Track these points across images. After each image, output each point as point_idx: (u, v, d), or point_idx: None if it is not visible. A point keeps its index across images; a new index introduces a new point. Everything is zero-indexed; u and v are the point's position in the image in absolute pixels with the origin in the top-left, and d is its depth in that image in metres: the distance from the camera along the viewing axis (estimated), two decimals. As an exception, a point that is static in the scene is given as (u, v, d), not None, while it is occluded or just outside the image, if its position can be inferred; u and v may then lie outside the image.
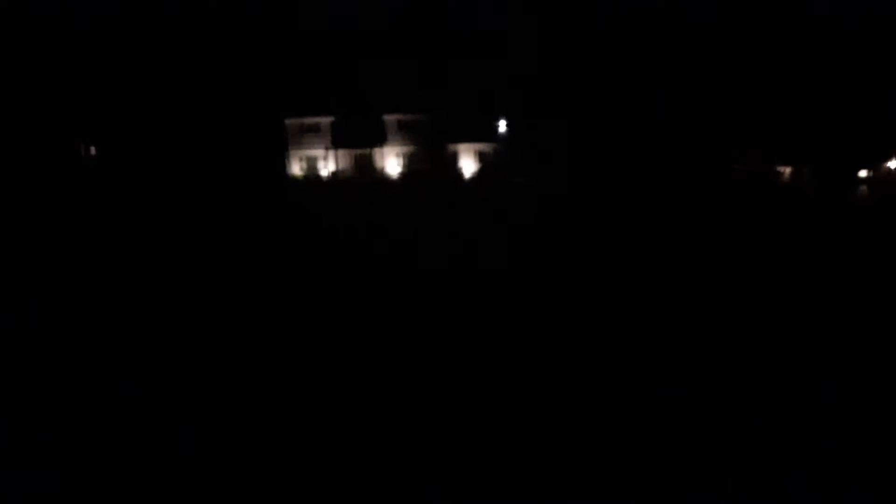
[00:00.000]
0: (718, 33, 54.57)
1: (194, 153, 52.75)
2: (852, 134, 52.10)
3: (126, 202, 43.09)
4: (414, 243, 33.37)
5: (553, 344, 19.09)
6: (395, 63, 55.90)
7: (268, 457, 12.73)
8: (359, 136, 56.47)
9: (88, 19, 56.58)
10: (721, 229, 38.15)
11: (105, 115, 55.21)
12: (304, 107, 56.16)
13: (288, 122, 56.40)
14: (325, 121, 56.68)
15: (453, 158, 57.14)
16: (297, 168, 56.69)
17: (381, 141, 56.90)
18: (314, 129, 56.62)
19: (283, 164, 56.41)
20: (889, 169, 56.37)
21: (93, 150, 56.72)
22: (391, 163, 57.13)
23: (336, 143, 56.64)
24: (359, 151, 57.05)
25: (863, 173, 55.56)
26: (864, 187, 54.41)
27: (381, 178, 56.31)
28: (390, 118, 56.59)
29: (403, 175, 56.46)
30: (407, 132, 56.86)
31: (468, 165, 57.26)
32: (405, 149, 56.97)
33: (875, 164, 55.50)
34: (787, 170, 56.54)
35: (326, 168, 56.76)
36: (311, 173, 56.36)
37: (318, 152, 56.69)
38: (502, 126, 56.80)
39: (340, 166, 56.88)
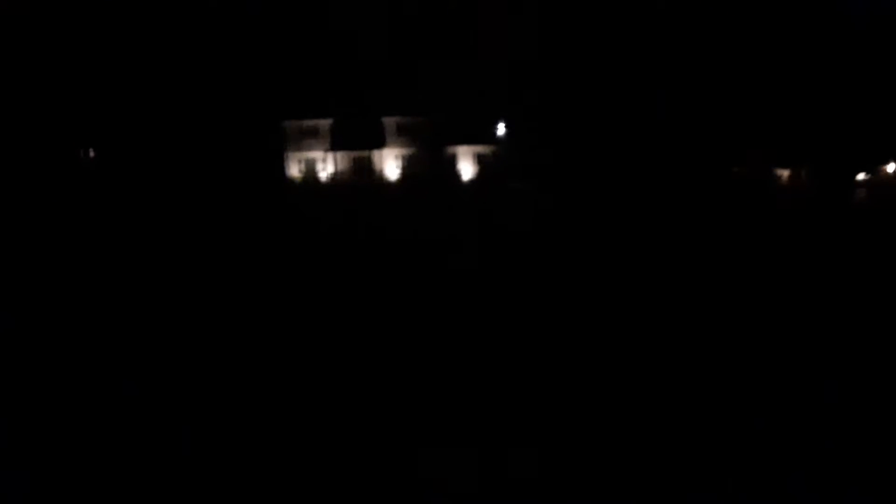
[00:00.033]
0: (717, 35, 54.60)
1: (193, 156, 52.72)
2: (851, 137, 52.13)
3: (125, 204, 43.07)
4: (411, 247, 33.32)
5: (549, 347, 19.12)
6: (394, 65, 55.94)
7: (266, 456, 12.73)
8: (358, 138, 56.46)
9: (88, 21, 56.54)
10: (719, 232, 38.14)
11: (104, 118, 55.17)
12: (303, 109, 56.17)
13: (286, 124, 56.38)
14: (325, 123, 56.67)
15: (452, 161, 57.13)
16: (295, 170, 56.67)
17: (380, 143, 56.89)
18: (313, 132, 56.64)
19: (281, 167, 56.38)
20: (887, 172, 56.40)
21: (91, 153, 56.65)
22: (390, 165, 57.12)
23: (335, 146, 56.64)
24: (358, 154, 57.02)
25: (860, 176, 55.54)
26: (862, 190, 54.41)
27: (380, 180, 56.30)
28: (389, 121, 56.60)
29: (402, 178, 56.45)
30: (406, 135, 56.87)
31: (467, 168, 57.25)
32: (404, 151, 56.96)
33: (873, 167, 55.51)
34: (786, 172, 56.50)
35: (325, 170, 56.74)
36: (310, 175, 56.34)
37: (317, 154, 56.69)
38: (501, 129, 56.81)
39: (339, 168, 56.86)
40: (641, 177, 50.39)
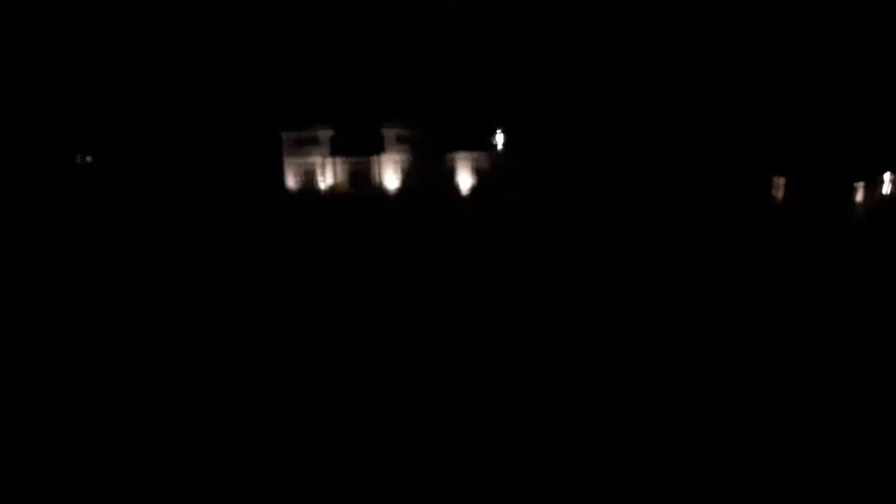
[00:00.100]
0: (715, 47, 54.84)
1: (191, 163, 52.73)
2: (849, 146, 52.27)
3: (123, 209, 43.06)
4: (409, 256, 33.27)
5: (549, 350, 19.12)
6: (395, 75, 56.10)
7: (266, 456, 12.72)
8: (357, 147, 56.48)
9: (88, 29, 56.66)
10: (718, 239, 38.17)
11: (103, 124, 55.21)
12: (303, 119, 56.18)
13: (285, 133, 56.38)
14: (324, 132, 56.70)
15: (451, 170, 57.21)
16: (294, 179, 56.62)
17: (378, 152, 56.95)
18: (312, 141, 56.64)
19: (280, 175, 56.32)
20: (884, 182, 56.55)
21: (89, 159, 56.64)
22: (389, 174, 57.15)
23: (334, 154, 56.67)
24: (356, 163, 57.04)
25: (858, 185, 55.66)
26: (859, 200, 54.50)
27: (379, 189, 56.31)
28: (389, 131, 56.66)
29: (400, 187, 56.48)
30: (405, 144, 56.95)
31: (465, 177, 57.32)
32: (403, 160, 57.01)
33: (871, 176, 55.61)
34: (782, 181, 56.55)
35: (324, 179, 56.73)
36: (309, 184, 56.29)
37: (316, 162, 56.67)
38: (500, 139, 56.97)
39: (338, 177, 56.86)
40: (639, 186, 50.51)
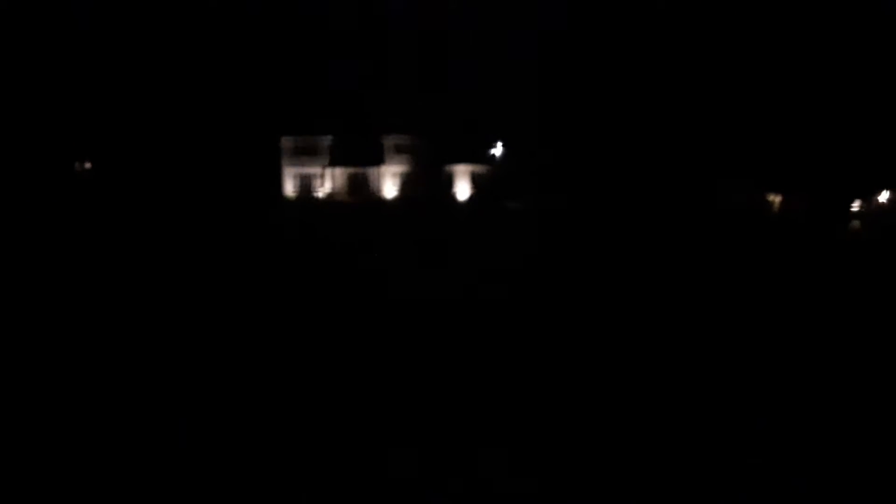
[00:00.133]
0: (710, 63, 55.16)
1: (189, 170, 52.80)
2: (846, 165, 52.49)
3: (121, 216, 43.09)
4: (406, 267, 33.27)
5: (548, 355, 19.15)
6: (393, 84, 56.43)
7: (266, 456, 12.69)
8: (356, 156, 56.70)
9: (87, 34, 56.85)
10: (712, 255, 38.26)
11: (101, 130, 55.30)
12: (302, 127, 56.39)
13: (284, 141, 56.53)
14: (323, 141, 56.86)
15: (449, 180, 57.44)
16: (292, 187, 56.72)
17: (377, 162, 57.15)
18: (311, 149, 56.77)
19: (278, 183, 56.43)
20: (881, 202, 56.77)
21: (88, 165, 56.72)
22: (387, 184, 57.34)
23: (333, 163, 56.84)
24: (355, 172, 57.23)
25: (855, 204, 55.89)
26: (855, 222, 54.65)
27: (377, 198, 56.47)
28: (388, 141, 56.91)
29: (399, 196, 56.66)
30: (404, 154, 57.17)
31: (463, 188, 57.55)
32: (401, 170, 57.23)
33: (868, 195, 55.85)
34: (778, 199, 56.75)
35: (322, 188, 56.84)
36: (307, 193, 56.39)
37: (315, 171, 56.78)
38: (499, 149, 57.31)
39: (336, 186, 57.00)
40: (636, 199, 50.73)
